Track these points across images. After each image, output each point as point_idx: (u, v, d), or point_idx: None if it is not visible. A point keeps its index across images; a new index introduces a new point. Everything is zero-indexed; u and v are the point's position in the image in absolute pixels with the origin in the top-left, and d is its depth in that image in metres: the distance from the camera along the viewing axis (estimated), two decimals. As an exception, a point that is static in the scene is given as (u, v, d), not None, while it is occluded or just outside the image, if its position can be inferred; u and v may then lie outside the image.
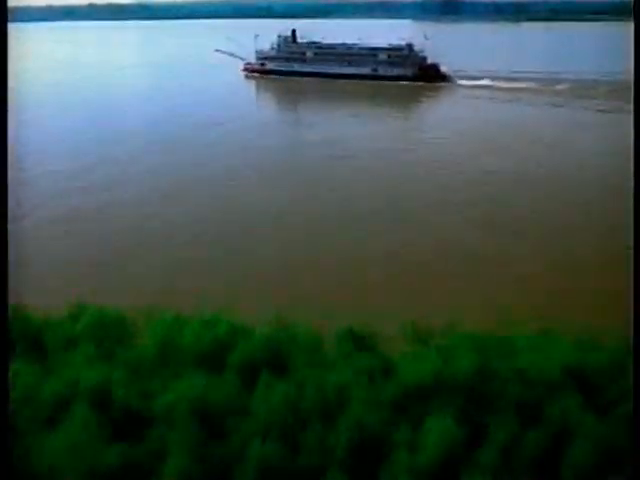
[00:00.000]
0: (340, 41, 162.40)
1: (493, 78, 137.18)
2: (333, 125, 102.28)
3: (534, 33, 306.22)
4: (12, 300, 20.00)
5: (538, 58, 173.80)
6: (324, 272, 44.93)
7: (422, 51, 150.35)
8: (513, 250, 48.36)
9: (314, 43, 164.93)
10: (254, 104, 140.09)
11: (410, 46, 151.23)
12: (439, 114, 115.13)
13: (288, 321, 25.71)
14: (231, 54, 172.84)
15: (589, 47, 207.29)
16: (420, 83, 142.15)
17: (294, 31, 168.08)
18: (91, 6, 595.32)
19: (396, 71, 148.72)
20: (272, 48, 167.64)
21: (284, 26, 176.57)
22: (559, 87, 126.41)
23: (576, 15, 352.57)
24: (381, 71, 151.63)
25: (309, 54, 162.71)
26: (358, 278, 43.66)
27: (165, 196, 64.45)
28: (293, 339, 23.72)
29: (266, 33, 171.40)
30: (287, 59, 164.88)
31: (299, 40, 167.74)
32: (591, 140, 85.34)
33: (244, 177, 70.87)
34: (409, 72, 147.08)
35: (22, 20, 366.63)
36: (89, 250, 50.06)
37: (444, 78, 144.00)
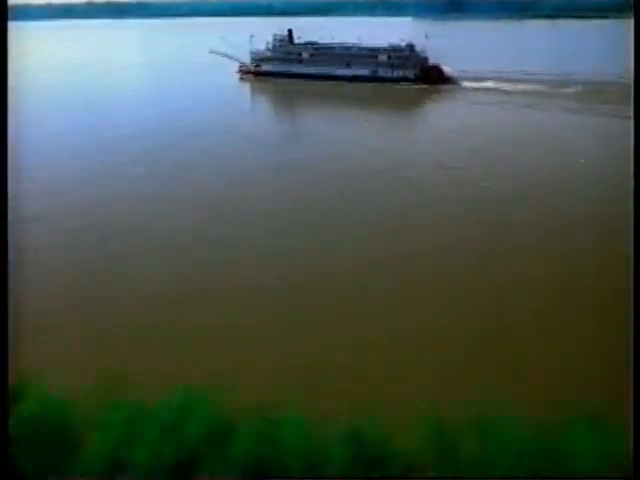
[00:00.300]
0: (339, 41, 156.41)
1: (499, 80, 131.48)
2: (330, 134, 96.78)
3: (539, 31, 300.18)
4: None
5: (545, 58, 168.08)
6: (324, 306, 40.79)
7: (423, 51, 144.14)
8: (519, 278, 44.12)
9: (311, 44, 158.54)
10: (249, 106, 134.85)
11: (411, 46, 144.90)
12: (443, 120, 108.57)
13: (279, 403, 20.82)
14: (225, 55, 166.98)
15: (595, 46, 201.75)
16: (423, 85, 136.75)
17: (290, 31, 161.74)
18: (90, 4, 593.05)
19: (397, 73, 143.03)
20: (267, 49, 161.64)
21: (284, 24, 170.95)
22: (571, 90, 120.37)
23: (580, 12, 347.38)
24: (381, 73, 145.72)
25: (306, 55, 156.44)
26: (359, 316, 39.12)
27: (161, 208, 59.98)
28: (281, 444, 18.66)
29: (265, 32, 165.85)
30: (283, 60, 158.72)
31: (296, 40, 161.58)
32: (617, 154, 77.39)
33: (239, 191, 66.29)
34: (410, 74, 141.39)
35: (22, 18, 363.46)
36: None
37: (447, 80, 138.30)
